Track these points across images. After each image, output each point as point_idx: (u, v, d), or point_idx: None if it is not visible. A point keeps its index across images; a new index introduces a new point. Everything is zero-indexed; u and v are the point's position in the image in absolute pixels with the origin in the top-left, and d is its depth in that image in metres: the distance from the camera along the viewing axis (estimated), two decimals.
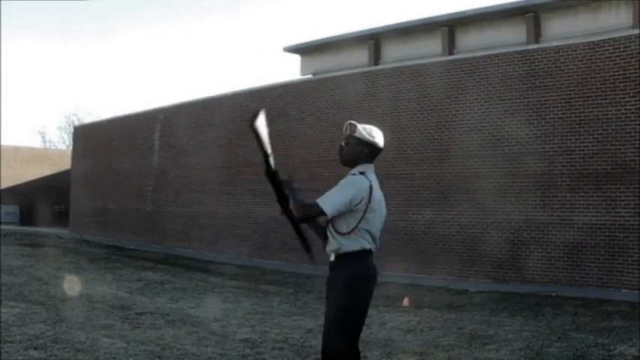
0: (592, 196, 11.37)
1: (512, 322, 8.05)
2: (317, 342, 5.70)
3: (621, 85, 11.11)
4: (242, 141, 17.89)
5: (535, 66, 12.25)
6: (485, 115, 12.83)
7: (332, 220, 3.65)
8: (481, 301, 10.07)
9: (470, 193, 12.93)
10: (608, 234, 11.12)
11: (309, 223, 3.77)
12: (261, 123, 3.71)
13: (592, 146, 11.44)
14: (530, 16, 20.84)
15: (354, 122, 3.79)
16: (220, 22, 77.33)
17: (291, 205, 3.66)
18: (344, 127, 3.82)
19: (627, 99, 11.04)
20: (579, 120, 11.61)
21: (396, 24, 23.96)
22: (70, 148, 32.42)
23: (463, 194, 13.05)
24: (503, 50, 13.55)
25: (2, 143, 33.81)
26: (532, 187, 12.14)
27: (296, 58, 28.24)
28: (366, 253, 3.65)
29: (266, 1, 74.82)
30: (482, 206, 12.66)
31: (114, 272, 12.56)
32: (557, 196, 11.80)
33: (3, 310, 7.14)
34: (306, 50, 26.98)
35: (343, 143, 3.79)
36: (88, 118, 44.44)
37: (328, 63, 25.45)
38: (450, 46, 22.59)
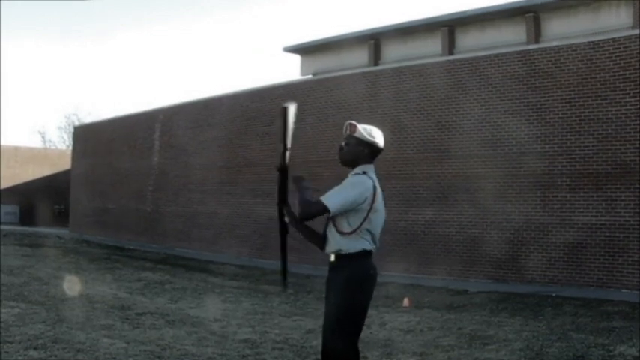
0: (592, 196, 11.37)
1: (512, 322, 8.05)
2: (317, 342, 5.70)
3: (621, 85, 11.11)
4: (242, 141, 17.90)
5: (535, 66, 12.24)
6: (486, 115, 12.83)
7: (333, 220, 3.63)
8: (481, 301, 10.06)
9: (470, 194, 12.92)
10: (608, 234, 11.12)
11: (308, 222, 3.74)
12: (292, 114, 3.71)
13: (592, 146, 11.44)
14: (531, 16, 20.82)
15: (354, 122, 3.78)
16: (220, 22, 77.40)
17: (296, 201, 3.62)
18: (344, 128, 3.81)
19: (627, 99, 11.04)
20: (579, 120, 11.61)
21: (396, 24, 23.93)
22: (70, 148, 32.42)
23: (463, 194, 13.05)
24: (504, 50, 13.55)
25: (2, 143, 33.82)
26: (532, 187, 12.13)
27: (296, 58, 28.23)
28: (366, 254, 3.64)
29: (266, 1, 74.89)
30: (482, 206, 12.66)
31: (114, 272, 12.56)
32: (557, 197, 11.80)
33: (3, 310, 7.13)
34: (306, 50, 26.96)
35: (343, 143, 3.78)
36: (88, 118, 44.51)
37: (328, 63, 25.42)
38: (450, 47, 22.57)
